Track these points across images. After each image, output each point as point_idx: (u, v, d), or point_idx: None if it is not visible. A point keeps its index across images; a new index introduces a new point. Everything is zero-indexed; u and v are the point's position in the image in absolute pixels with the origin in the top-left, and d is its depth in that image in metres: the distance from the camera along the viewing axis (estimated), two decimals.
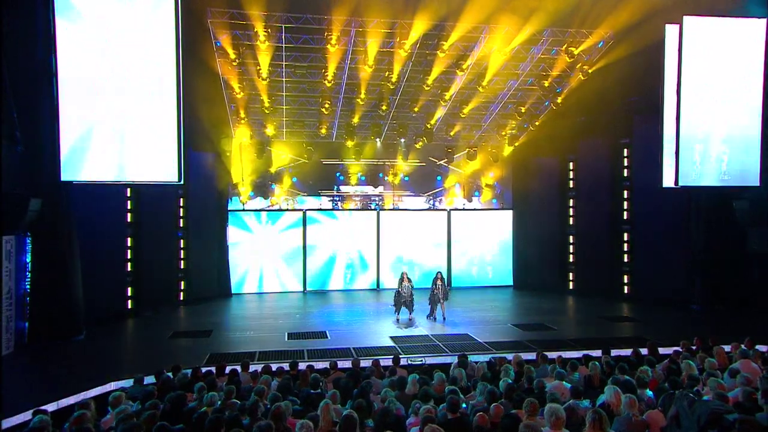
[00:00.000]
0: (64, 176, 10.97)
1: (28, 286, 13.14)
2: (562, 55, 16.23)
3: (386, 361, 10.20)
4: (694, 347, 10.29)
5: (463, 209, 23.12)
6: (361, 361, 9.57)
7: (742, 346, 10.20)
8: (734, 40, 13.29)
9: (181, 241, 18.89)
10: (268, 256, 21.17)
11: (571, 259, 20.66)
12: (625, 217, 19.10)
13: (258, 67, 15.84)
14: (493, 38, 15.53)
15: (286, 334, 13.72)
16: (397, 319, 15.04)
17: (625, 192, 19.05)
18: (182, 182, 12.09)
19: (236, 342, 13.20)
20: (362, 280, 21.67)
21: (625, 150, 18.93)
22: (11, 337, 12.48)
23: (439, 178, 24.07)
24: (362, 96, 17.50)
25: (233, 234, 20.90)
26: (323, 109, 17.93)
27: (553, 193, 21.15)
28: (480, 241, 22.51)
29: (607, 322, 15.38)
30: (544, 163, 21.36)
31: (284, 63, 16.49)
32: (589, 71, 16.47)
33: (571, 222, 20.67)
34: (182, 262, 18.89)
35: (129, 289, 16.48)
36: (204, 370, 9.70)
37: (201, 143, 19.24)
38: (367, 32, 14.79)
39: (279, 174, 22.14)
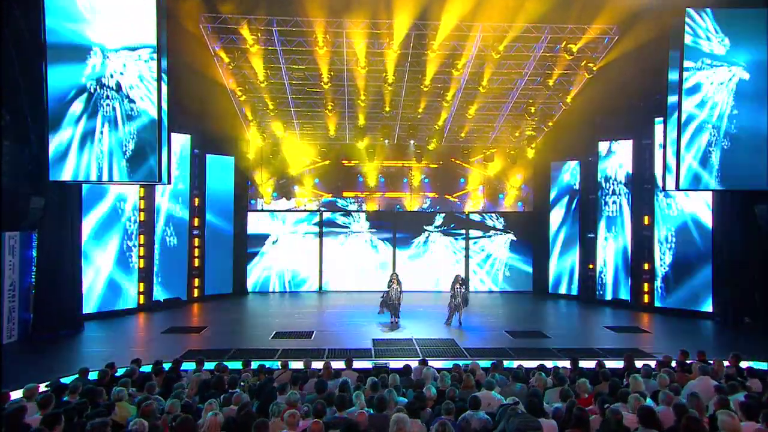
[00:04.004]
0: (53, 176, 11.50)
1: (33, 280, 13.92)
2: (563, 52, 15.55)
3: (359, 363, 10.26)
4: (674, 362, 9.68)
5: (482, 212, 22.59)
6: (312, 362, 9.54)
7: (726, 362, 9.53)
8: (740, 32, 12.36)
9: (196, 239, 19.47)
10: (286, 256, 21.55)
11: (591, 266, 19.76)
12: (646, 222, 18.12)
13: (254, 71, 16.15)
14: (485, 37, 15.12)
15: (274, 333, 13.86)
16: (391, 322, 14.90)
17: (647, 196, 18.08)
18: (167, 183, 12.42)
19: (221, 339, 13.47)
20: (377, 281, 21.58)
21: (648, 151, 17.96)
22: (14, 327, 13.26)
23: (462, 180, 23.66)
24: (362, 97, 17.48)
25: (252, 234, 21.43)
26: (327, 111, 18.06)
27: (574, 195, 20.34)
28: (499, 245, 22.08)
29: (612, 332, 14.62)
30: (564, 164, 20.58)
31: (284, 66, 16.71)
32: (594, 68, 15.70)
33: (591, 227, 19.77)
34: (197, 260, 19.46)
35: (140, 285, 17.12)
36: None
37: (217, 146, 19.84)
38: (352, 33, 14.77)
39: (300, 175, 22.41)
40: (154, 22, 11.68)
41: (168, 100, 12.16)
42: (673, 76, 12.97)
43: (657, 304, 17.59)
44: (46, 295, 13.87)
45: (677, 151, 12.77)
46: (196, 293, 19.33)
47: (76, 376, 8.64)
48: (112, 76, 11.80)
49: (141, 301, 17.16)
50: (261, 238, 21.58)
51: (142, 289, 17.20)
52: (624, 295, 18.59)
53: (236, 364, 9.59)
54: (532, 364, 9.75)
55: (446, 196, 22.97)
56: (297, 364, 9.99)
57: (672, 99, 13.12)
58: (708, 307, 16.45)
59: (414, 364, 9.71)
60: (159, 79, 11.75)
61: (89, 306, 15.43)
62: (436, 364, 10.20)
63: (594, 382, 8.30)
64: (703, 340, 14.19)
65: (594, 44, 15.92)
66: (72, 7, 11.50)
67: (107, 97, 11.70)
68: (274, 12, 14.40)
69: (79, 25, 11.60)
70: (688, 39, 12.50)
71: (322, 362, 9.53)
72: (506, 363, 10.14)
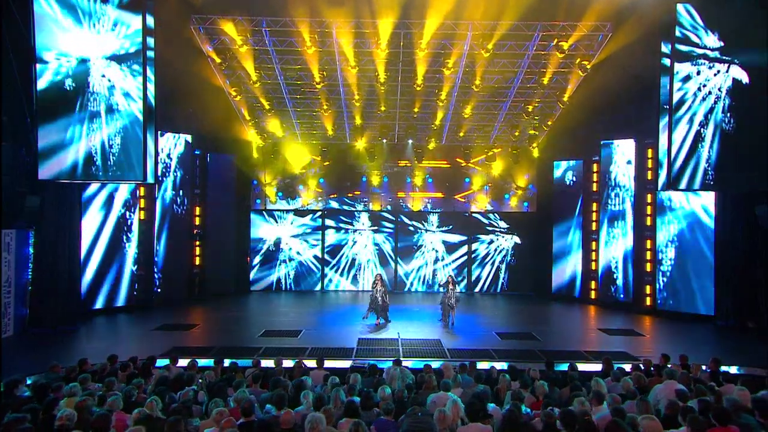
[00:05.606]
0: (42, 175, 11.73)
1: (29, 277, 14.23)
2: (555, 50, 15.28)
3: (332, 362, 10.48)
4: (654, 366, 9.45)
5: (486, 212, 22.38)
6: (284, 361, 9.57)
7: (703, 367, 9.30)
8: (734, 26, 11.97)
9: (197, 238, 19.69)
10: (289, 255, 21.72)
11: (593, 267, 19.44)
12: (648, 224, 17.75)
13: (246, 71, 16.31)
14: (474, 35, 14.98)
15: (263, 331, 13.93)
16: (376, 324, 14.81)
17: (649, 196, 17.73)
18: (152, 182, 12.62)
19: (209, 336, 13.68)
20: None
21: (650, 151, 17.57)
22: (10, 322, 13.59)
23: (467, 180, 23.48)
24: (356, 97, 17.48)
25: (255, 233, 21.63)
26: (323, 111, 18.12)
27: (577, 195, 20.02)
28: (501, 246, 21.93)
29: (605, 335, 14.35)
30: (567, 163, 20.29)
31: (277, 66, 16.80)
32: (588, 66, 15.40)
33: (594, 228, 19.46)
34: (198, 258, 19.69)
35: (140, 283, 17.35)
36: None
37: (218, 145, 20.08)
38: (339, 33, 14.76)
39: (304, 175, 22.47)
40: (139, 17, 11.85)
41: (155, 98, 12.27)
42: (664, 74, 12.66)
43: (659, 307, 17.20)
44: (43, 291, 14.17)
45: (668, 150, 12.47)
46: (197, 291, 19.55)
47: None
48: (98, 70, 11.97)
49: (141, 299, 17.39)
50: (264, 238, 21.75)
51: (142, 287, 17.44)
52: (626, 297, 18.26)
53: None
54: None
55: (453, 197, 22.78)
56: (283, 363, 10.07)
57: (665, 97, 12.80)
58: (710, 310, 16.04)
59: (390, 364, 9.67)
60: (145, 77, 11.89)
61: (88, 303, 15.78)
62: (420, 365, 10.14)
63: (562, 384, 8.18)
64: (700, 343, 13.83)
65: (589, 41, 15.65)
66: (59, 8, 11.71)
67: (93, 94, 11.88)
68: (262, 12, 14.47)
69: (67, 23, 11.80)
70: (680, 35, 12.18)
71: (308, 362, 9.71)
72: (489, 365, 10.06)
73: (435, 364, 9.56)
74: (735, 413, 5.53)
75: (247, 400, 5.46)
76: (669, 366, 9.35)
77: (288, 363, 9.70)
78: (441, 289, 15.26)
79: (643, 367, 9.25)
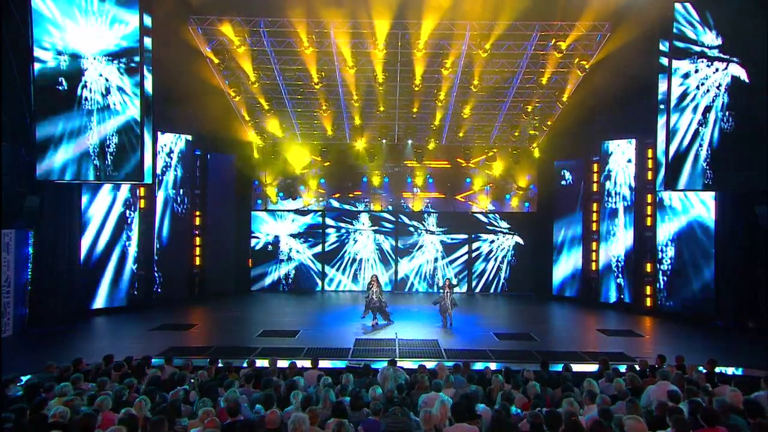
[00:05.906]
0: (39, 174, 11.80)
1: (29, 276, 14.29)
2: (553, 50, 15.25)
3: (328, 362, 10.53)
4: (649, 367, 9.41)
5: (487, 212, 22.35)
6: (278, 361, 9.58)
7: (701, 367, 9.25)
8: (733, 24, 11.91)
9: (197, 238, 19.74)
10: (290, 255, 21.73)
11: (593, 267, 19.38)
12: (648, 224, 17.68)
13: (245, 72, 16.35)
14: (471, 35, 14.97)
15: (261, 331, 13.93)
16: (372, 324, 14.77)
17: (649, 196, 17.66)
18: (150, 181, 12.66)
19: (206, 336, 13.70)
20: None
21: (650, 151, 17.49)
22: (9, 322, 13.64)
23: (468, 180, 23.43)
24: (355, 97, 17.49)
25: (255, 233, 21.67)
26: (322, 111, 18.13)
27: (577, 196, 19.96)
28: (502, 246, 21.88)
29: (603, 335, 14.29)
30: (568, 164, 20.26)
31: (276, 66, 16.83)
32: (587, 66, 15.37)
33: (594, 228, 19.39)
34: (198, 258, 19.73)
35: (140, 283, 17.40)
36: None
37: (218, 146, 20.12)
38: (337, 33, 14.78)
39: (305, 175, 22.46)
40: (137, 15, 11.90)
41: (153, 98, 12.32)
42: (663, 72, 12.61)
43: (659, 307, 17.12)
44: (43, 291, 14.23)
45: (666, 149, 12.42)
46: (197, 291, 19.58)
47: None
48: (96, 69, 12.04)
49: (141, 299, 17.41)
50: (264, 238, 21.77)
51: (142, 287, 17.47)
52: (626, 297, 18.19)
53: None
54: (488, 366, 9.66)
55: (454, 197, 22.73)
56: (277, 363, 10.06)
57: (663, 96, 12.76)
58: (710, 310, 15.95)
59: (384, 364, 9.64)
60: (142, 76, 11.94)
61: (88, 302, 15.84)
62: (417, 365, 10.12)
63: (555, 385, 8.16)
64: (699, 344, 13.71)
65: (587, 41, 15.61)
66: (57, 7, 11.77)
67: (91, 93, 11.95)
68: (260, 12, 14.50)
69: (62, 24, 11.86)
70: (678, 33, 12.13)
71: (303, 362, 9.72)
72: (483, 365, 10.06)
73: (431, 365, 9.55)
74: (724, 414, 5.50)
75: (234, 400, 5.46)
76: (664, 367, 9.31)
77: (283, 363, 9.70)
78: (440, 291, 15.23)
79: (638, 368, 9.22)
